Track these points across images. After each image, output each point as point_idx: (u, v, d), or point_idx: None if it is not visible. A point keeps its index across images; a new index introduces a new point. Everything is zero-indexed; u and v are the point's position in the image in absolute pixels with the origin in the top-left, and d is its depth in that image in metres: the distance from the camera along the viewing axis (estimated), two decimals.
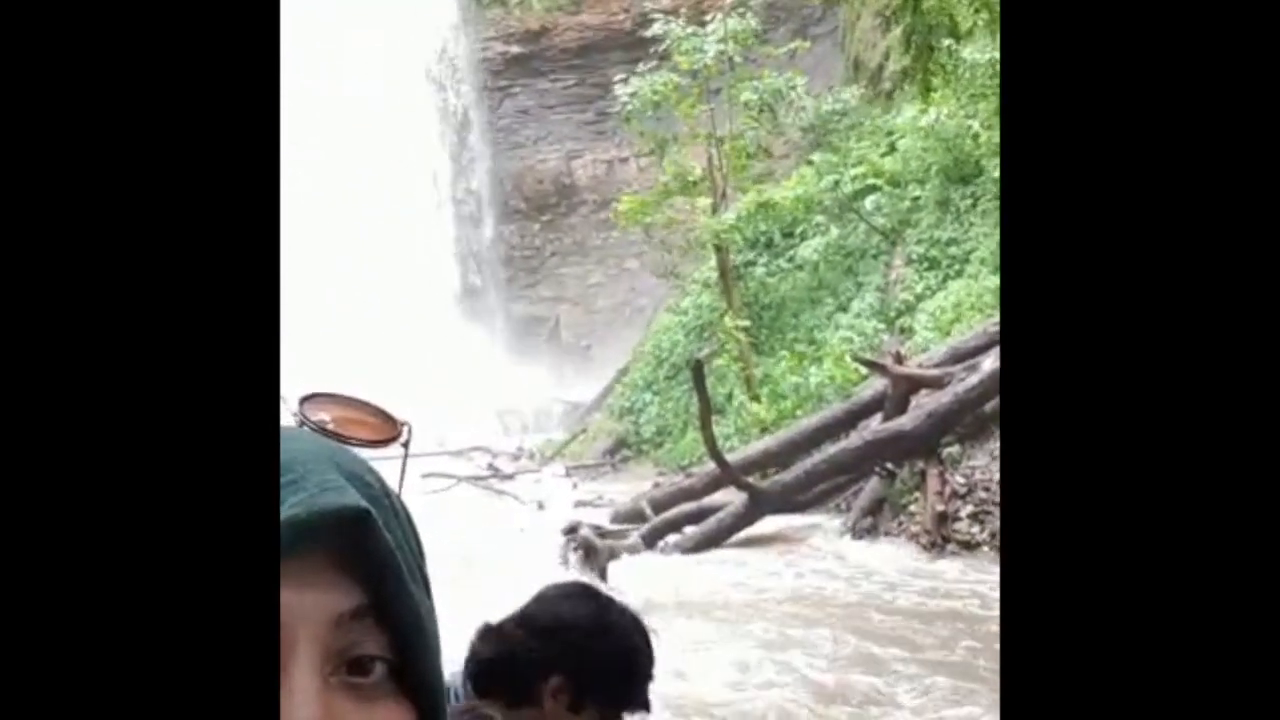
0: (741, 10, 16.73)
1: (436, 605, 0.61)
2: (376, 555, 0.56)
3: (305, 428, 0.65)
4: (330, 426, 0.66)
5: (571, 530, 9.80)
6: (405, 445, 0.71)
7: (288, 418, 0.65)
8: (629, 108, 15.85)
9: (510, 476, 16.76)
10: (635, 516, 11.27)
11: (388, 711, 0.57)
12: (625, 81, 16.03)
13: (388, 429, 0.70)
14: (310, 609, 0.55)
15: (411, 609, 0.58)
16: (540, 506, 13.60)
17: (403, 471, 0.68)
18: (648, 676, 1.71)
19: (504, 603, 1.76)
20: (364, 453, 0.63)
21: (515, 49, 25.30)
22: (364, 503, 0.56)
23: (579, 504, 13.32)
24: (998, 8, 9.69)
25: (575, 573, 9.17)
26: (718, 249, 16.55)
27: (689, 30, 16.15)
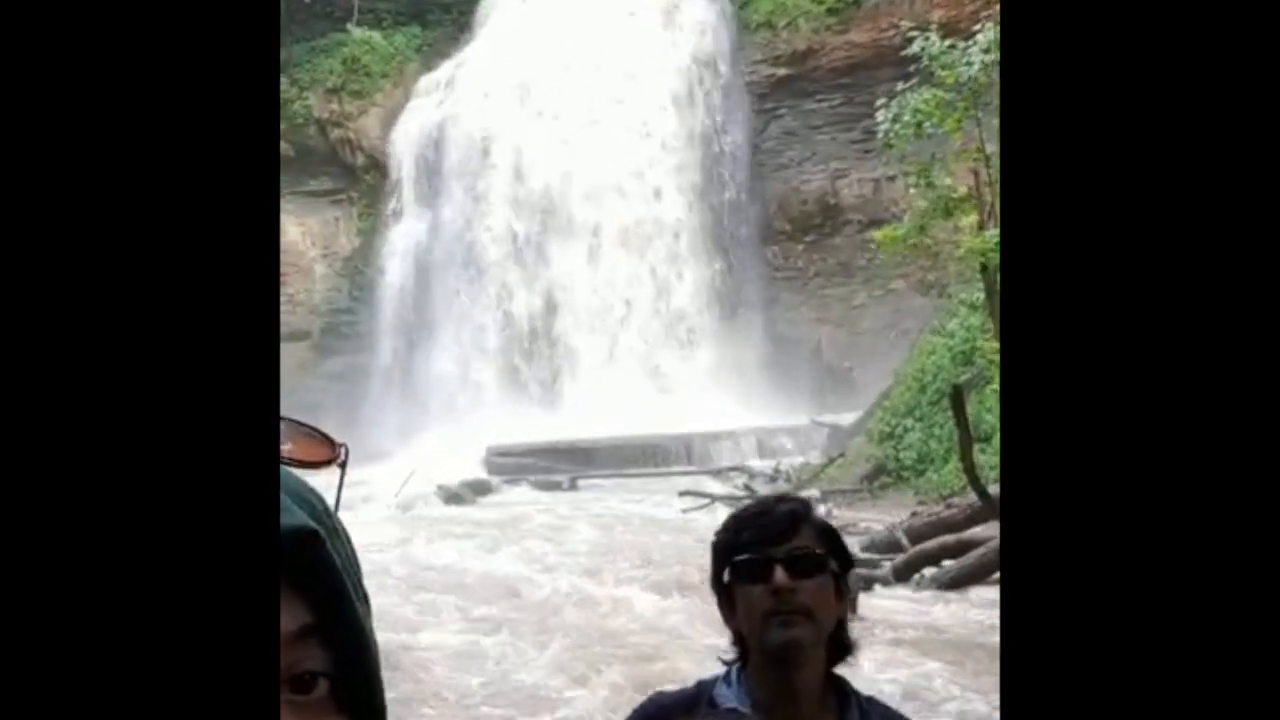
0: None
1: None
2: (323, 575, 0.57)
3: None
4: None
5: None
6: (342, 466, 0.72)
7: None
8: (891, 130, 15.37)
9: None
10: (890, 546, 10.94)
11: None
12: (886, 105, 15.54)
13: (327, 450, 0.70)
14: None
15: (355, 627, 0.59)
16: None
17: (339, 491, 0.69)
18: None
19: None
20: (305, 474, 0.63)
21: (782, 71, 25.34)
22: (311, 523, 0.57)
23: None
24: None
25: None
26: (984, 268, 15.75)
27: (946, 44, 15.43)
